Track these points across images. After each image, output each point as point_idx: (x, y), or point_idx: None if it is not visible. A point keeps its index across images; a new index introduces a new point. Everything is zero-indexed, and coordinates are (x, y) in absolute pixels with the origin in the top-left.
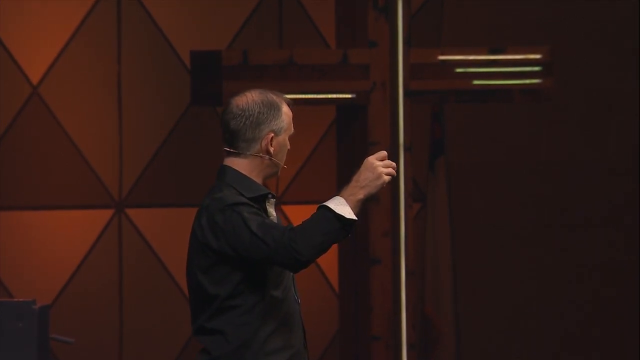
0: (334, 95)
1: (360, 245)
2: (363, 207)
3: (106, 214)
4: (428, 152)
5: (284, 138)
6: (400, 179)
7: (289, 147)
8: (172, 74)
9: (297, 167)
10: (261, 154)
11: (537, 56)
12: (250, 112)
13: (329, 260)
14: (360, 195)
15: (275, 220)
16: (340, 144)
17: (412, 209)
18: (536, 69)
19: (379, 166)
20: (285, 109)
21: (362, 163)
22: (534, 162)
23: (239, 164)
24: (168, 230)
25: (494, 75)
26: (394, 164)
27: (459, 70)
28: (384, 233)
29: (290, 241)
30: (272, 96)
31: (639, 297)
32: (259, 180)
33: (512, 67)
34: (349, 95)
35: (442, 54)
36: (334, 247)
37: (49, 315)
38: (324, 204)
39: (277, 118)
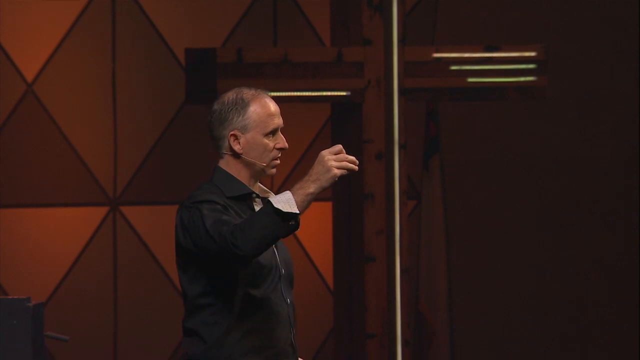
0: (329, 93)
1: (355, 243)
2: (359, 205)
3: (101, 212)
4: (423, 150)
5: (253, 136)
6: (395, 176)
7: (270, 145)
8: (167, 71)
9: (292, 165)
10: (231, 153)
11: (532, 54)
12: (215, 111)
13: (323, 258)
14: (311, 189)
15: None
16: (335, 141)
17: (406, 207)
18: (531, 66)
19: (330, 160)
20: (254, 106)
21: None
22: (529, 160)
23: (226, 164)
24: (162, 228)
25: (488, 73)
26: (351, 158)
27: (453, 68)
28: (378, 231)
29: (230, 236)
30: (245, 94)
31: (638, 297)
32: (247, 180)
33: (507, 64)
34: (344, 93)
35: (437, 52)
36: (328, 245)
37: (44, 312)
38: (269, 198)
39: (241, 115)
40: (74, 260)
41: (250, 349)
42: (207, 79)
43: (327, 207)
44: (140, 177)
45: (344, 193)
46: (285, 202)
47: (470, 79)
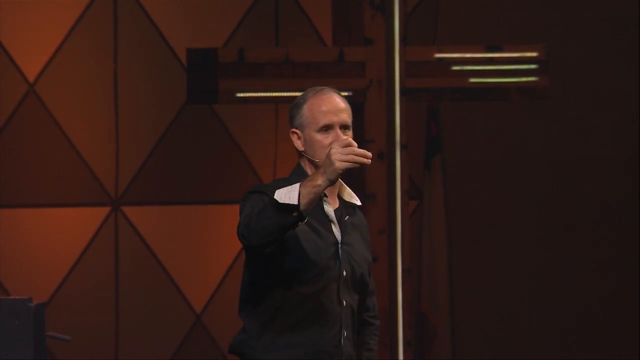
0: None
1: None
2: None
3: (102, 212)
4: (424, 150)
5: (308, 133)
6: (396, 176)
7: (324, 141)
8: (169, 71)
9: (294, 165)
10: (300, 151)
11: (534, 54)
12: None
13: None
14: (318, 181)
15: (333, 220)
16: None
17: (408, 207)
18: (532, 67)
19: (335, 153)
20: (309, 103)
21: None
22: (530, 160)
23: (303, 161)
24: (164, 228)
25: (490, 73)
26: (360, 151)
27: (455, 68)
28: (380, 231)
29: (241, 227)
30: (306, 92)
31: (639, 296)
32: None
33: (509, 65)
34: (345, 93)
35: (439, 52)
36: None
37: (45, 313)
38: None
39: (298, 114)
40: (76, 260)
41: (289, 344)
42: (208, 79)
43: None
44: (142, 177)
45: None
46: (287, 193)
47: (472, 79)
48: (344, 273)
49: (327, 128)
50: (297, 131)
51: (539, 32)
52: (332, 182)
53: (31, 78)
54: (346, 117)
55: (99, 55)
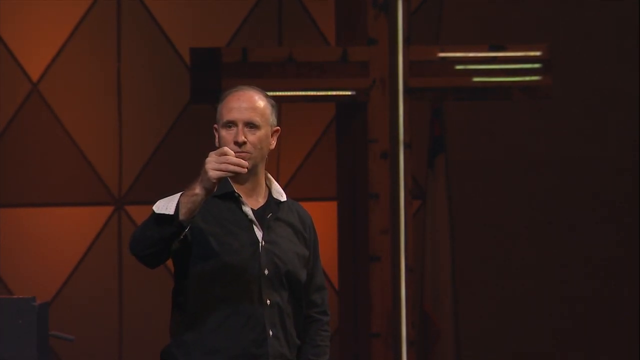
0: (334, 93)
1: (360, 242)
2: (364, 204)
3: (106, 211)
4: (427, 149)
5: (219, 129)
6: (399, 176)
7: (227, 137)
8: (172, 71)
9: (297, 164)
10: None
11: (537, 53)
12: None
13: (328, 258)
14: (196, 189)
15: (252, 220)
16: (340, 141)
17: (411, 206)
18: (536, 66)
19: (210, 162)
20: (224, 101)
21: (360, 160)
22: (533, 159)
23: None
24: None
25: (493, 72)
26: (236, 160)
27: (458, 67)
28: (383, 230)
29: (131, 237)
30: (229, 90)
31: (639, 296)
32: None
33: (512, 64)
34: (349, 93)
35: (442, 51)
36: (333, 244)
37: (49, 312)
38: None
39: (217, 111)
40: (79, 259)
41: (209, 349)
42: (212, 79)
43: (331, 206)
44: (146, 176)
45: (348, 192)
46: (165, 203)
47: (475, 79)
48: (266, 272)
49: (230, 124)
50: (215, 127)
51: (542, 32)
52: (209, 191)
53: (34, 77)
54: (253, 114)
55: (102, 54)
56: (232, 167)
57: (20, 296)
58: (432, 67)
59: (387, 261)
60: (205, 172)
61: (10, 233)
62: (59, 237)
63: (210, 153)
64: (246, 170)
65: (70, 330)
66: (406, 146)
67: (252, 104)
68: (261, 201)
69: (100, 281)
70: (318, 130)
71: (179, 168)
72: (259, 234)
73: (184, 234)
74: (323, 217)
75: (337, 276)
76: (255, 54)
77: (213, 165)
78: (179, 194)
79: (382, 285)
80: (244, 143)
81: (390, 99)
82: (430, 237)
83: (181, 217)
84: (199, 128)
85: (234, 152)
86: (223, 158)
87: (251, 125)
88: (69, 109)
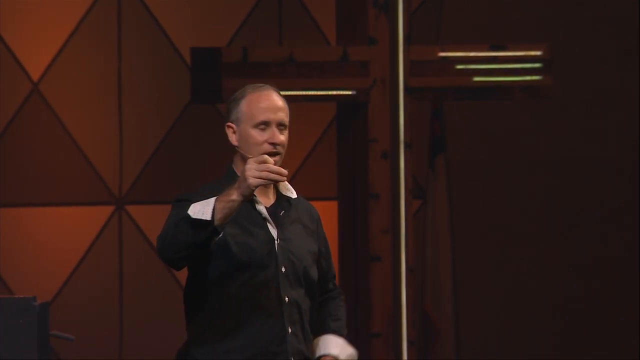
0: (334, 92)
1: (360, 242)
2: (364, 204)
3: (106, 211)
4: (428, 149)
5: (243, 128)
6: (400, 176)
7: (258, 138)
8: (172, 71)
9: (297, 164)
10: (234, 147)
11: (538, 53)
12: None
13: None
14: (233, 195)
15: (267, 218)
16: (341, 141)
17: (412, 206)
18: (536, 66)
19: (250, 169)
20: (248, 98)
21: (360, 160)
22: (533, 159)
23: (234, 160)
24: None
25: (494, 72)
26: (275, 168)
27: (459, 67)
28: (383, 230)
29: (159, 240)
30: (245, 88)
31: (639, 295)
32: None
33: (513, 64)
34: (349, 93)
35: (442, 51)
36: (334, 244)
37: (49, 312)
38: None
39: (235, 109)
40: (80, 259)
41: (229, 348)
42: (212, 79)
43: (332, 206)
44: (146, 176)
45: (349, 192)
46: (201, 208)
47: (476, 78)
48: (283, 269)
49: (263, 125)
50: (233, 125)
51: (543, 31)
52: (246, 198)
53: (35, 77)
54: (283, 116)
55: (102, 54)
56: (272, 176)
57: (21, 296)
58: (433, 67)
59: (388, 261)
60: (245, 180)
61: (11, 233)
62: (59, 237)
63: (249, 160)
64: (285, 179)
65: (70, 330)
66: (406, 146)
67: (281, 104)
68: (272, 198)
69: (100, 281)
70: (318, 130)
71: (179, 168)
72: (273, 232)
73: (217, 239)
74: (323, 217)
75: (338, 276)
76: (256, 54)
77: (254, 173)
78: (212, 199)
79: (383, 285)
80: (265, 162)
81: (390, 98)
82: (431, 237)
83: (216, 222)
84: (199, 128)
85: (267, 152)
86: (264, 166)
87: (282, 125)
88: (69, 108)
